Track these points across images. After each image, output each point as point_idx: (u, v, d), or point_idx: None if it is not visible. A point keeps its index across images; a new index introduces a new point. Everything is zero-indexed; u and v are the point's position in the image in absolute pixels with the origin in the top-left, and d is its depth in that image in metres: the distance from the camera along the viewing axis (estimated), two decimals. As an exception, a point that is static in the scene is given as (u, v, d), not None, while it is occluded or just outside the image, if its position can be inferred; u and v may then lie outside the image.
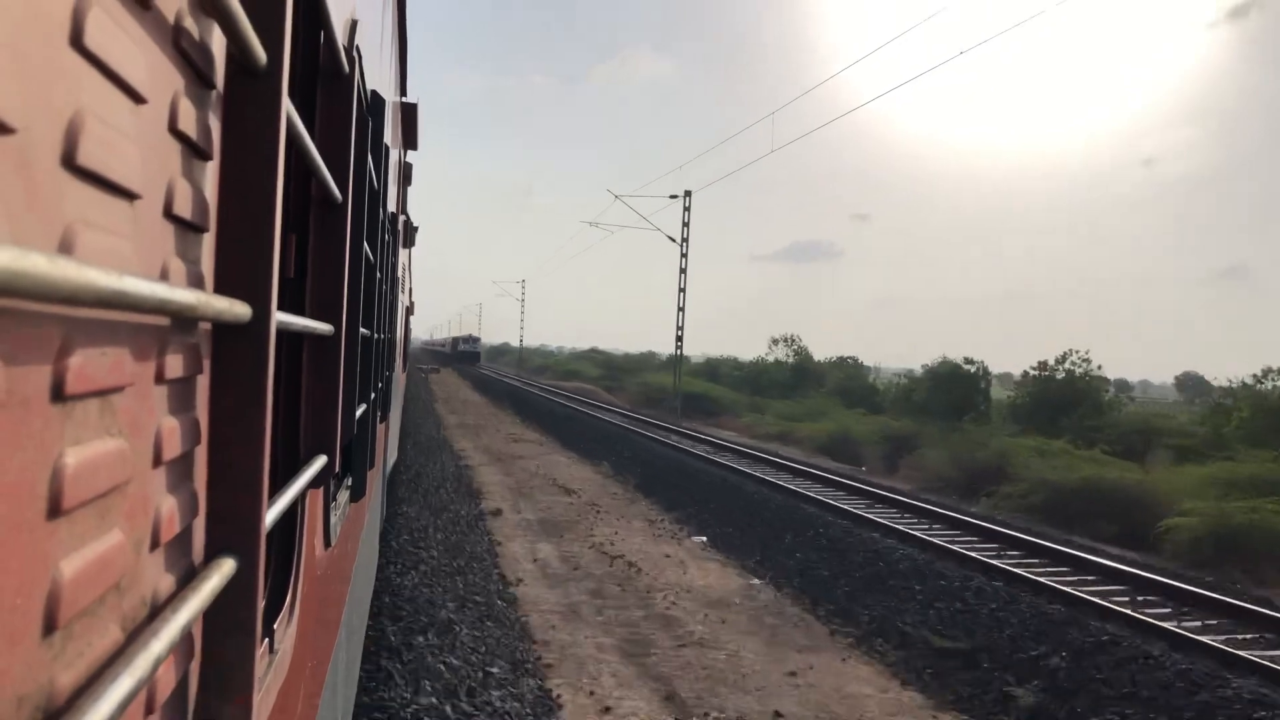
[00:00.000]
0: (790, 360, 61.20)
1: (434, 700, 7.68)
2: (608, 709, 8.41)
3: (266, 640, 1.90)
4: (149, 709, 1.06)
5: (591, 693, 8.81)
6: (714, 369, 68.36)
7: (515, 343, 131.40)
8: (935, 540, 15.13)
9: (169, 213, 1.09)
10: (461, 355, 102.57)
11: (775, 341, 63.40)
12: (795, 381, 55.31)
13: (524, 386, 64.12)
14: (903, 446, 30.12)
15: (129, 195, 0.96)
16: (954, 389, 40.76)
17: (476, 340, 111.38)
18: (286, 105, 1.40)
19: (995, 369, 48.89)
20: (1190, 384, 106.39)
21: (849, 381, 53.15)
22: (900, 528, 16.20)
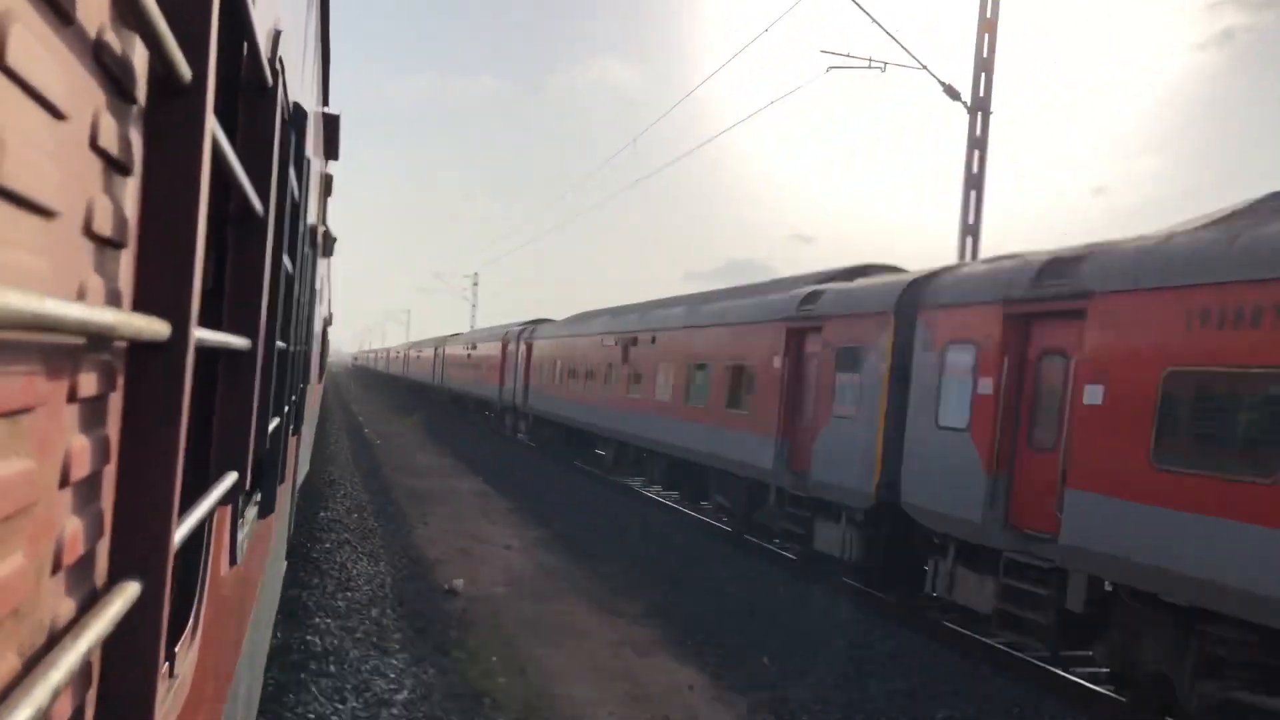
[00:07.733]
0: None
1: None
2: None
3: (167, 664, 1.85)
4: None
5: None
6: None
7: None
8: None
9: (88, 230, 1.07)
10: None
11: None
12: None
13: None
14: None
15: (47, 213, 0.94)
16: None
17: None
18: (210, 121, 1.38)
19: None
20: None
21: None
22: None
